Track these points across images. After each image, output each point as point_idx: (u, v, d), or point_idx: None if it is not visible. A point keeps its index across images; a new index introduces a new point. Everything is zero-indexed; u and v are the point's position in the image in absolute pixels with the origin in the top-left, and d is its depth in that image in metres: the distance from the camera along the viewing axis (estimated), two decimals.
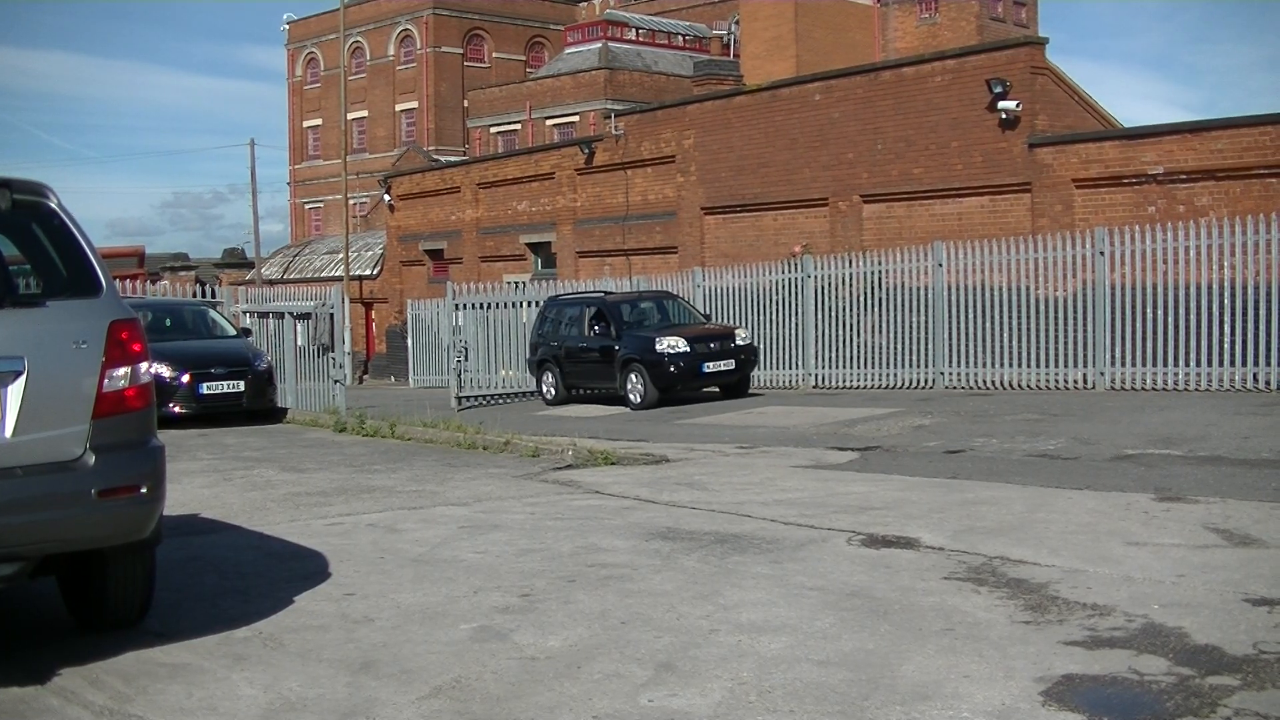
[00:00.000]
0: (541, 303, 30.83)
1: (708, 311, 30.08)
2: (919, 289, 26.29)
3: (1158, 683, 6.37)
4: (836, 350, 27.96)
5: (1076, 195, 26.29)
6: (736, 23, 66.91)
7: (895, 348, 26.76)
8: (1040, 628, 7.45)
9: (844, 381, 27.63)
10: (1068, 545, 9.78)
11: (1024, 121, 27.33)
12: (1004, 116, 27.33)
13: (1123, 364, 23.00)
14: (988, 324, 24.92)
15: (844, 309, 27.86)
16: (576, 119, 66.93)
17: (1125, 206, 25.37)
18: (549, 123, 68.47)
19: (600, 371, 27.56)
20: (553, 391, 29.05)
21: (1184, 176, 24.36)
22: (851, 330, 27.75)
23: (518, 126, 70.41)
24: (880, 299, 27.13)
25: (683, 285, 30.95)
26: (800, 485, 13.71)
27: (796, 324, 28.38)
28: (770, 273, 29.12)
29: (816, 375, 28.20)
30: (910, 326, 26.50)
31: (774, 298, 28.95)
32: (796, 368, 28.35)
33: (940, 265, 25.62)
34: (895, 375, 26.72)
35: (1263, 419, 17.69)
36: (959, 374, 25.50)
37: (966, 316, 25.29)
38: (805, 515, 11.62)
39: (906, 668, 6.77)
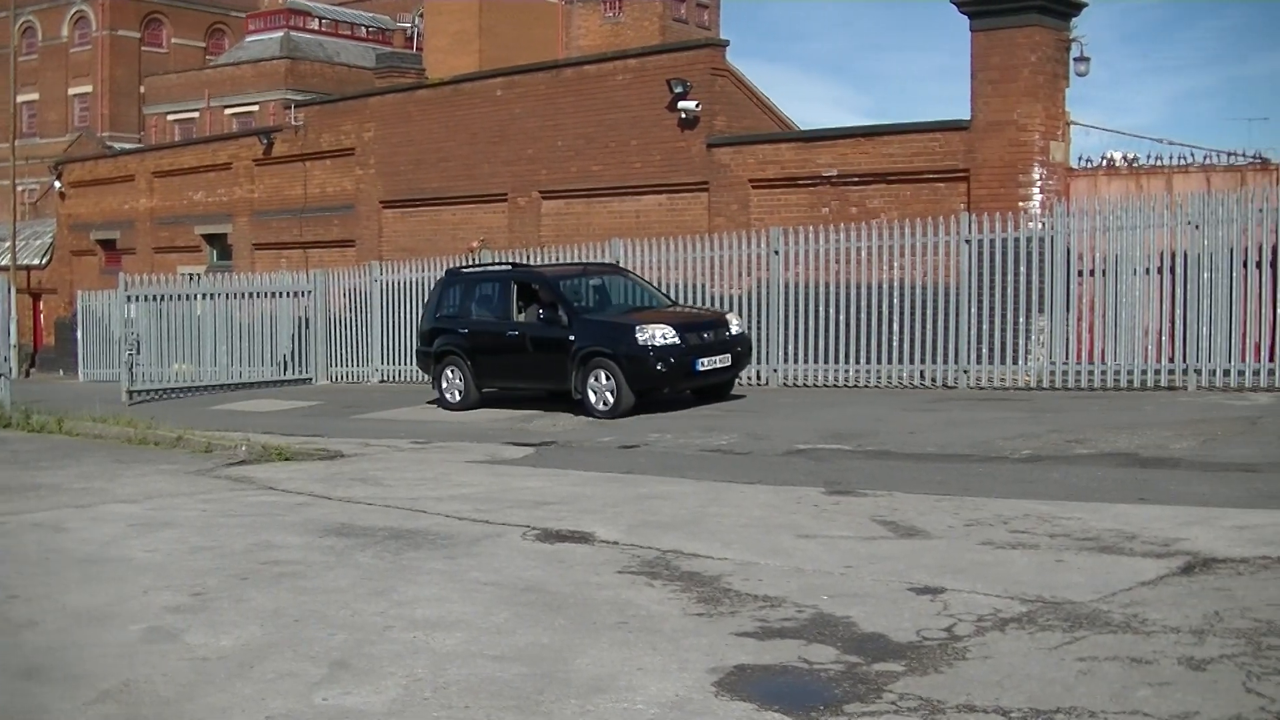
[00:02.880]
0: (441, 277, 25.26)
1: (390, 305, 29.69)
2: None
3: (827, 671, 6.53)
4: None
5: (753, 195, 26.73)
6: (421, 16, 66.47)
7: None
8: (713, 619, 7.56)
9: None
10: (741, 538, 9.96)
11: (703, 122, 27.69)
12: (684, 116, 27.63)
13: (795, 361, 23.48)
14: None
15: None
16: (256, 109, 65.65)
17: (800, 207, 25.87)
18: (228, 112, 67.00)
19: (540, 367, 21.79)
20: (458, 393, 22.90)
21: (857, 179, 24.94)
22: None
23: (196, 115, 68.75)
24: None
25: (360, 279, 30.57)
26: (476, 480, 13.71)
27: None
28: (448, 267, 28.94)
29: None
30: None
31: None
32: None
33: (618, 262, 25.79)
34: None
35: (929, 415, 18.27)
36: None
37: None
38: (481, 510, 11.62)
39: (582, 661, 6.81)
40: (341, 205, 35.83)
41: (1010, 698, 5.98)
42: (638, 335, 20.19)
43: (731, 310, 23.19)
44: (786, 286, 23.53)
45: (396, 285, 29.83)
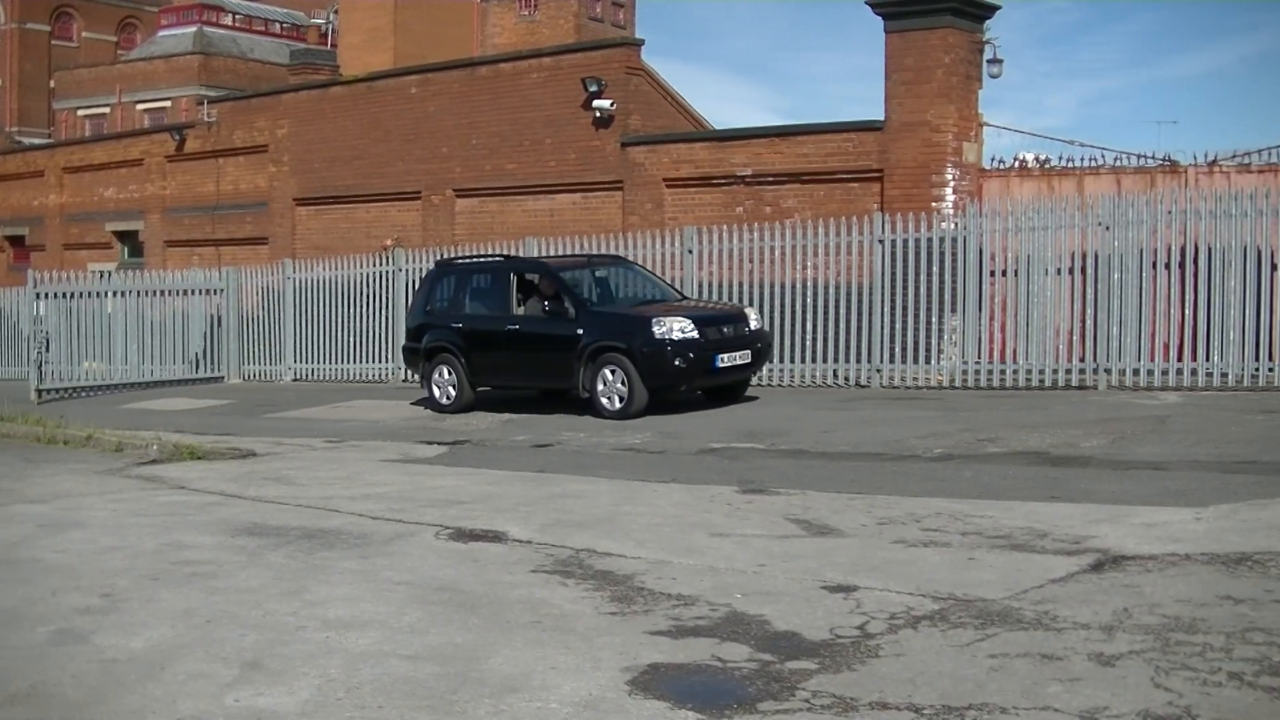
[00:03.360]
0: (429, 269, 24.05)
1: (304, 303, 29.47)
2: None
3: (740, 669, 6.54)
4: None
5: (667, 194, 26.77)
6: (335, 12, 66.14)
7: None
8: (627, 618, 7.57)
9: None
10: (654, 537, 9.97)
11: (618, 121, 27.70)
12: (598, 115, 27.64)
13: None
14: None
15: None
16: (169, 104, 64.97)
17: (714, 206, 25.92)
18: (140, 107, 66.30)
19: (542, 364, 20.33)
20: (451, 392, 21.30)
21: (771, 179, 25.02)
22: None
23: (107, 110, 67.98)
24: None
25: (273, 277, 30.34)
26: (389, 479, 13.66)
27: (387, 318, 28.08)
28: (362, 265, 28.79)
29: (406, 370, 27.98)
30: None
31: (365, 291, 28.60)
32: (387, 361, 28.06)
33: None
34: None
35: (842, 414, 18.35)
36: None
37: None
38: (394, 510, 11.58)
39: (495, 660, 6.80)
40: (255, 202, 35.61)
41: (923, 695, 6.01)
42: (654, 329, 18.94)
43: (751, 305, 21.75)
44: (700, 286, 23.55)
45: (310, 283, 29.60)
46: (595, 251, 24.39)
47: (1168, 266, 19.78)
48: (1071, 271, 20.43)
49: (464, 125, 30.39)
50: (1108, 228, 20.04)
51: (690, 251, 23.68)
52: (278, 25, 72.75)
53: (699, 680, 6.46)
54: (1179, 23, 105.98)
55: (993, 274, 21.17)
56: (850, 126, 24.08)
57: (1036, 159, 23.46)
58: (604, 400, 19.24)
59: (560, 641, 7.13)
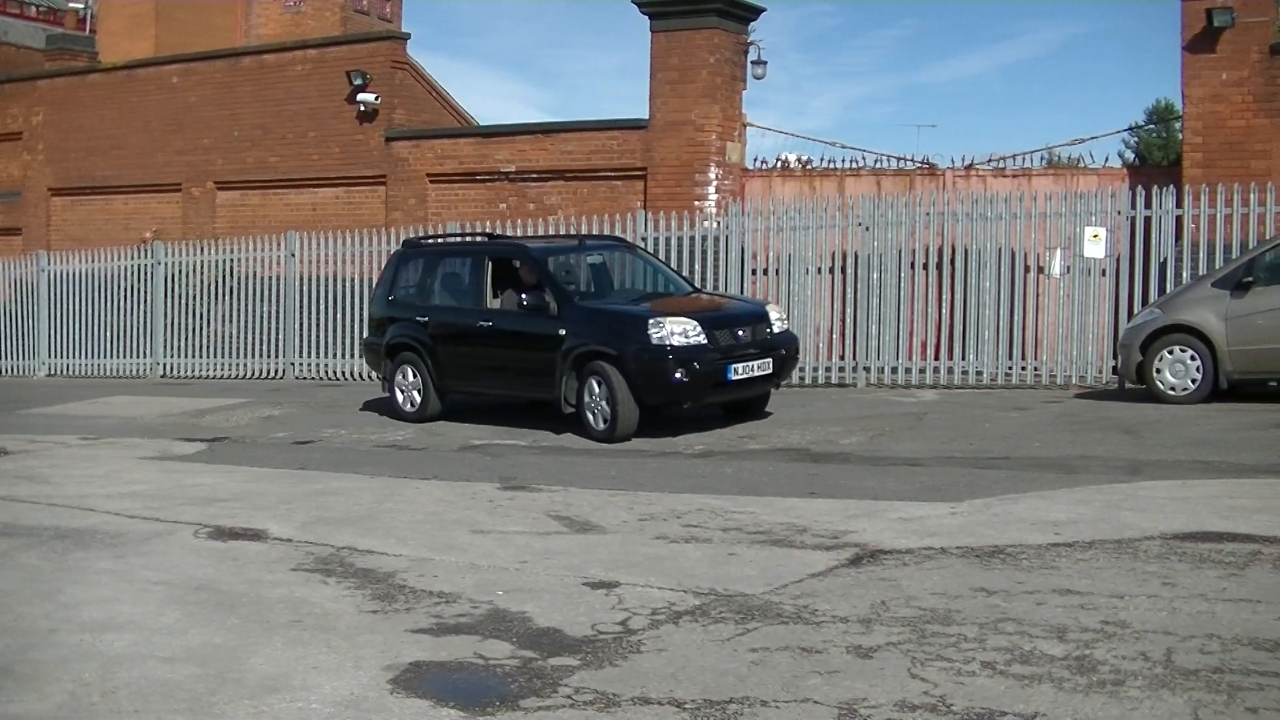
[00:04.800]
0: (394, 250, 20.50)
1: (59, 297, 28.73)
2: (271, 279, 26.03)
3: (503, 666, 6.55)
4: (187, 339, 27.30)
5: (431, 190, 26.64)
6: None
7: (247, 337, 26.37)
8: (388, 616, 7.53)
9: (195, 371, 27.03)
10: (415, 534, 9.94)
11: (382, 115, 27.47)
12: (363, 109, 27.39)
13: None
14: (341, 315, 24.90)
15: (195, 297, 27.25)
16: None
17: (478, 202, 25.87)
18: None
19: (519, 369, 16.94)
20: (416, 396, 18.02)
21: (536, 176, 25.04)
22: (202, 319, 27.17)
23: None
24: (232, 288, 26.69)
25: (27, 269, 29.54)
26: (147, 477, 13.40)
27: (146, 312, 27.54)
28: (120, 258, 28.18)
29: (166, 365, 27.45)
30: (262, 316, 26.16)
31: (123, 284, 27.98)
32: (145, 357, 27.52)
33: (293, 255, 25.45)
34: (247, 365, 26.34)
35: None
36: (311, 364, 25.38)
37: (318, 307, 25.20)
38: (151, 508, 11.37)
39: (255, 661, 6.72)
40: (8, 191, 34.57)
41: (684, 689, 6.07)
42: (651, 331, 15.39)
43: (773, 302, 19.34)
44: None
45: (66, 276, 28.86)
46: (588, 232, 21.83)
47: (925, 267, 20.22)
48: (832, 271, 20.77)
49: (226, 117, 29.88)
50: (867, 228, 20.41)
51: None
52: (33, 8, 70.68)
53: (461, 678, 6.45)
54: (940, 29, 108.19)
55: (754, 272, 21.43)
56: (615, 125, 24.20)
57: (799, 160, 23.79)
58: (591, 417, 15.73)
59: (321, 640, 7.07)
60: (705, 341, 15.39)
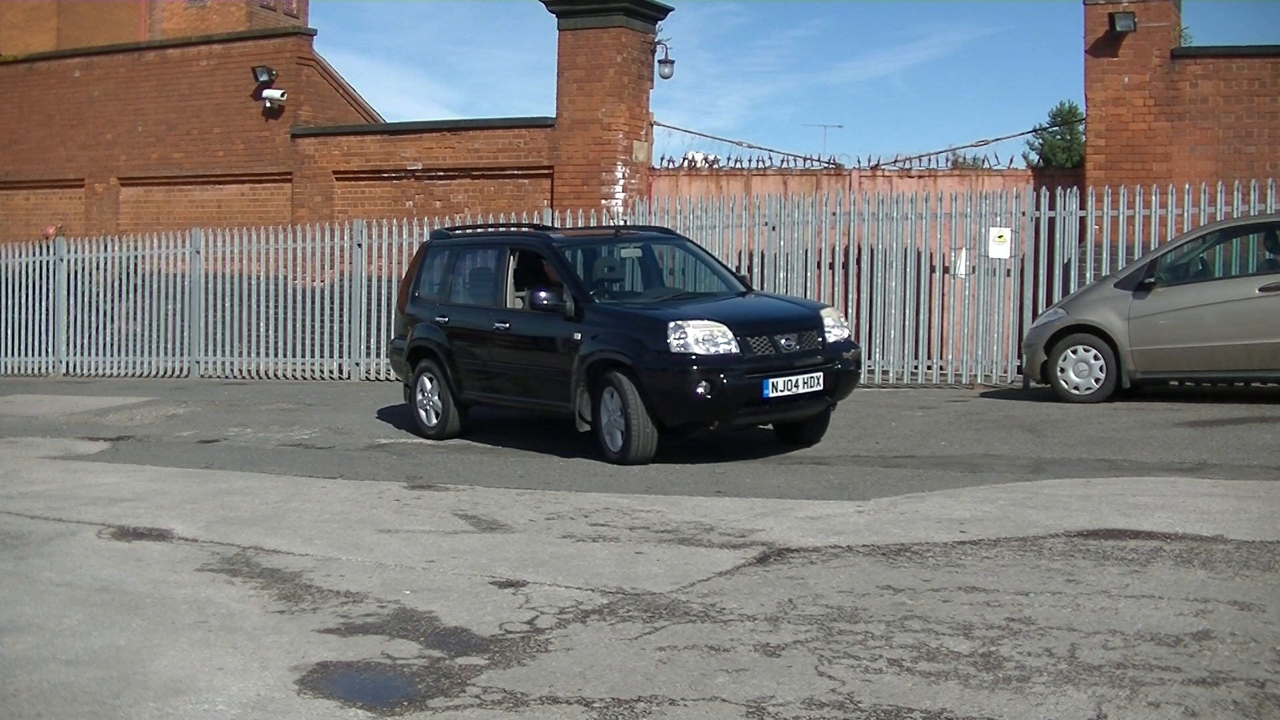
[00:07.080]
0: (422, 242, 17.95)
1: None
2: (176, 276, 25.84)
3: (410, 666, 6.53)
4: (90, 337, 27.06)
5: (337, 187, 26.51)
6: None
7: (151, 335, 26.16)
8: (294, 617, 7.49)
9: (97, 369, 26.77)
10: (321, 534, 9.89)
11: (288, 112, 27.31)
12: (268, 105, 27.20)
13: (377, 355, 23.32)
14: (245, 313, 24.76)
15: (98, 294, 27.00)
16: None
17: (385, 200, 25.78)
18: None
19: (534, 378, 14.64)
20: (433, 412, 15.84)
21: (442, 174, 24.98)
22: (106, 317, 26.93)
23: None
24: (136, 285, 26.47)
25: None
26: (48, 477, 13.25)
27: (47, 309, 27.26)
28: (20, 255, 27.86)
29: (68, 363, 27.19)
30: (166, 314, 25.97)
31: (24, 281, 27.68)
32: (47, 354, 27.25)
33: (198, 253, 25.28)
34: (151, 363, 26.12)
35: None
36: (215, 363, 25.21)
37: (224, 305, 25.04)
38: (53, 508, 11.24)
39: (160, 663, 6.67)
40: None
41: (592, 688, 6.07)
42: (669, 337, 12.93)
43: (835, 305, 17.86)
44: (370, 280, 23.39)
45: None
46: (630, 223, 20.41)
47: (832, 266, 20.35)
48: (738, 270, 20.81)
49: (129, 112, 29.59)
50: (774, 228, 20.51)
51: (359, 245, 23.51)
52: None
53: (369, 678, 6.43)
54: (846, 30, 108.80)
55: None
56: (522, 123, 24.18)
57: (706, 159, 23.85)
58: (609, 437, 13.47)
59: (227, 641, 7.03)
60: (737, 350, 12.93)
